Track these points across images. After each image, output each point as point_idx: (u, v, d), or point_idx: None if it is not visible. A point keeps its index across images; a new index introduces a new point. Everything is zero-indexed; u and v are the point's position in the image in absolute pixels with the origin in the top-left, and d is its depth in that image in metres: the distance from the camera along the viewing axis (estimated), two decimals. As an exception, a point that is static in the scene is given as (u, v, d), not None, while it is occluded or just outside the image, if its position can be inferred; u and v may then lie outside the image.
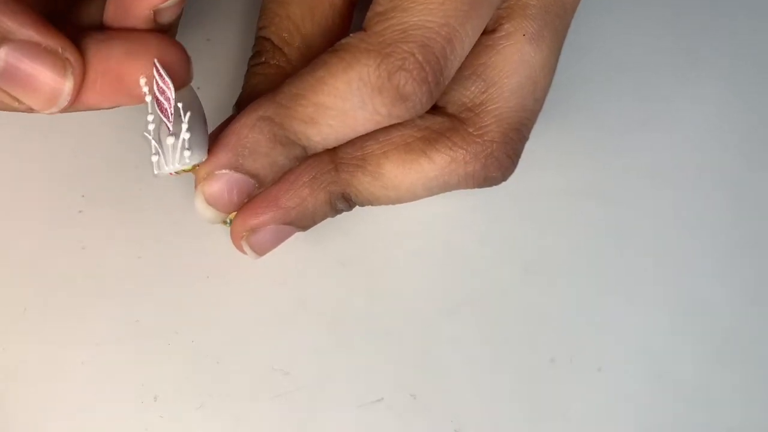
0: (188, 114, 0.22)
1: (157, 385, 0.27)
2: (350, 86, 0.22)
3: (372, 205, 0.26)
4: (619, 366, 0.28)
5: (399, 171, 0.25)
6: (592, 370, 0.28)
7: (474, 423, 0.27)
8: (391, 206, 0.29)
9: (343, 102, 0.22)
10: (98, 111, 0.29)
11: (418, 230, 0.29)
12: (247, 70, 0.26)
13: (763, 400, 0.29)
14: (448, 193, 0.29)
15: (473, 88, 0.25)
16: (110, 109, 0.29)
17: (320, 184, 0.25)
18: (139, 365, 0.27)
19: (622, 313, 0.29)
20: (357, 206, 0.26)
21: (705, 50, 0.32)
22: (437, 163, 0.25)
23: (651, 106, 0.31)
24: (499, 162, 0.25)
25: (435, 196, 0.29)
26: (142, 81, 0.22)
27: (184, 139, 0.22)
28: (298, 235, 0.29)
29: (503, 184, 0.29)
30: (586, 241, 0.30)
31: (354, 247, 0.29)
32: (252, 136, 0.23)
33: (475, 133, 0.25)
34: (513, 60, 0.25)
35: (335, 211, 0.26)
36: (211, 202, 0.23)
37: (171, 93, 0.22)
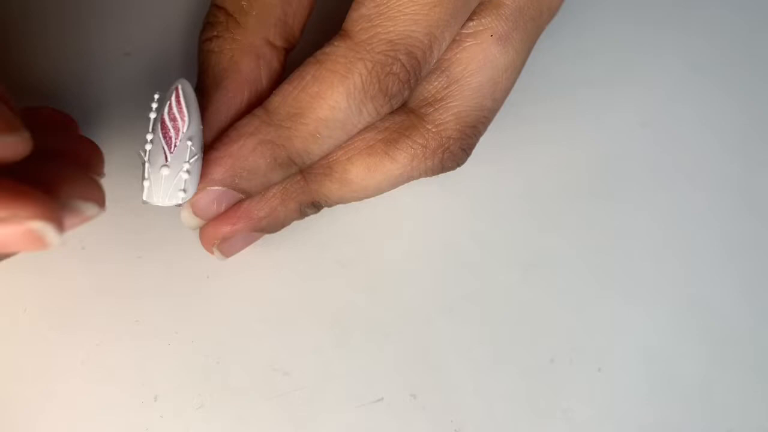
0: (194, 158, 0.21)
1: (157, 385, 0.27)
2: (349, 97, 0.23)
3: (341, 203, 0.27)
4: (619, 366, 0.28)
5: (365, 174, 0.25)
6: (592, 370, 0.28)
7: (474, 423, 0.27)
8: (390, 207, 0.29)
9: (343, 113, 0.23)
10: (97, 107, 0.29)
11: (418, 230, 0.29)
12: (199, 47, 0.25)
13: (763, 400, 0.29)
14: (448, 194, 0.29)
15: (436, 83, 0.25)
16: (110, 110, 0.29)
17: (290, 194, 0.25)
18: (139, 365, 0.27)
19: (622, 313, 0.29)
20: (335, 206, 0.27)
21: (705, 48, 0.32)
22: (400, 162, 0.25)
23: (651, 105, 0.31)
24: (454, 156, 0.26)
25: (436, 197, 0.29)
26: (155, 96, 0.21)
27: (182, 179, 0.21)
28: (298, 236, 0.29)
29: (504, 184, 0.30)
30: (586, 241, 0.30)
31: (354, 247, 0.29)
32: (252, 161, 0.23)
33: (433, 130, 0.25)
34: (477, 59, 0.25)
35: (303, 215, 0.27)
36: (198, 213, 0.24)
37: (185, 127, 0.21)
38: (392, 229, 0.29)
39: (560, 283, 0.29)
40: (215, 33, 0.24)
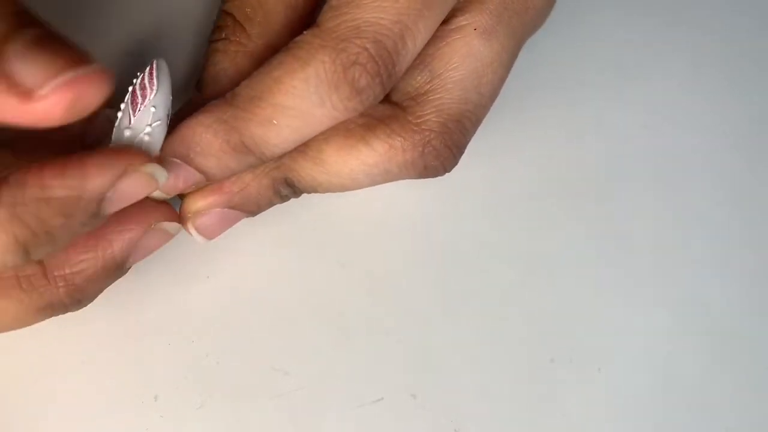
0: (157, 122, 0.22)
1: (157, 385, 0.27)
2: (307, 84, 0.22)
3: (317, 191, 0.26)
4: (619, 366, 0.28)
5: (339, 156, 0.25)
6: (592, 370, 0.28)
7: (474, 423, 0.27)
8: (390, 207, 0.29)
9: (301, 101, 0.22)
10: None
11: (418, 230, 0.29)
12: (208, 47, 0.26)
13: (763, 400, 0.29)
14: (448, 194, 0.29)
15: (419, 77, 0.25)
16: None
17: (263, 169, 0.25)
18: (139, 365, 0.27)
19: (622, 313, 0.29)
20: (304, 193, 0.26)
21: (706, 48, 0.32)
22: (376, 149, 0.25)
23: (652, 105, 0.32)
24: (438, 152, 0.25)
25: (436, 197, 0.29)
26: (138, 74, 0.23)
27: (142, 141, 0.22)
28: (298, 236, 0.29)
29: (505, 184, 0.30)
30: (586, 241, 0.30)
31: (354, 247, 0.29)
32: (205, 137, 0.23)
33: (414, 122, 0.25)
34: (460, 53, 0.25)
35: (281, 197, 0.26)
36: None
37: (151, 95, 0.22)
38: (392, 229, 0.29)
39: (560, 283, 0.29)
40: (223, 35, 0.25)
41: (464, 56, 0.25)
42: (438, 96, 0.25)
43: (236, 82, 0.24)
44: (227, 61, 0.25)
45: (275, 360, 0.27)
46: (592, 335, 0.28)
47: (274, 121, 0.23)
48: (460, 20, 0.25)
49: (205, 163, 0.23)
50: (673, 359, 0.29)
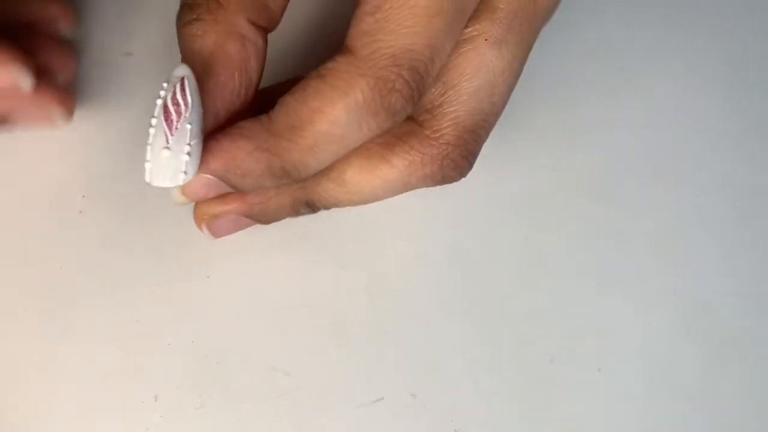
0: (195, 140, 0.22)
1: (157, 385, 0.27)
2: (349, 113, 0.23)
3: (336, 207, 0.26)
4: (619, 366, 0.28)
5: (361, 177, 0.25)
6: (592, 370, 0.28)
7: (474, 423, 0.27)
8: (391, 208, 0.29)
9: (342, 128, 0.23)
10: (98, 107, 0.29)
11: (418, 230, 0.29)
12: (179, 30, 0.24)
13: (763, 401, 0.29)
14: (448, 194, 0.29)
15: (433, 89, 0.25)
16: (111, 109, 0.29)
17: (286, 188, 0.25)
18: (139, 365, 0.27)
19: (622, 313, 0.29)
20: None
21: (705, 50, 0.32)
22: (396, 167, 0.25)
23: (651, 106, 0.32)
24: (455, 163, 0.25)
25: (436, 197, 0.29)
26: (164, 84, 0.22)
27: (182, 161, 0.22)
28: (299, 238, 0.29)
29: (505, 184, 0.30)
30: (586, 241, 0.30)
31: (354, 247, 0.29)
32: (247, 164, 0.23)
33: (431, 136, 0.25)
34: (473, 64, 0.25)
35: (297, 214, 0.27)
36: (186, 192, 0.24)
37: (187, 112, 0.22)
38: (392, 230, 0.29)
39: (560, 284, 0.29)
40: (195, 16, 0.24)
41: (477, 67, 0.25)
42: (453, 108, 0.25)
43: (232, 69, 0.24)
44: (210, 45, 0.23)
45: (275, 360, 0.27)
46: (592, 335, 0.29)
47: (315, 149, 0.23)
48: (471, 31, 0.25)
49: (243, 183, 0.24)
50: (673, 359, 0.29)
